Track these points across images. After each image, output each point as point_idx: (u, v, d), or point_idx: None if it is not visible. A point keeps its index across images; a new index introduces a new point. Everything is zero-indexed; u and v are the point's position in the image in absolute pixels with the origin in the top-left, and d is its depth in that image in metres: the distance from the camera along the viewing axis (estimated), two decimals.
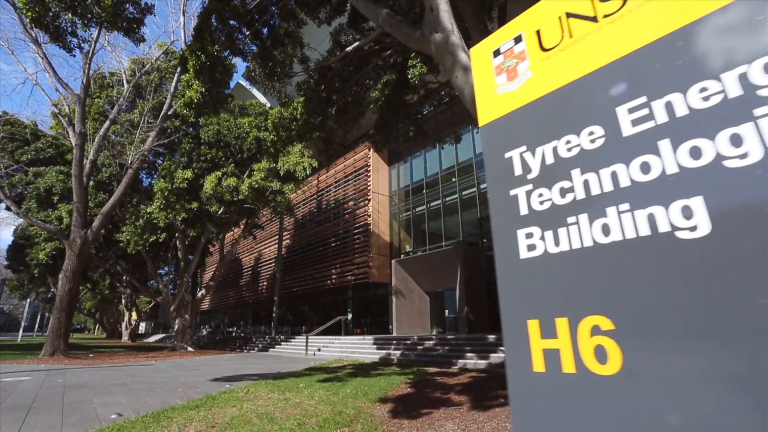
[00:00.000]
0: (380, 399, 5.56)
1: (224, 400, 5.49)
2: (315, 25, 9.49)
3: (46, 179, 18.53)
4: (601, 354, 0.69)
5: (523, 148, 0.92)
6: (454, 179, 17.69)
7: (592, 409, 0.69)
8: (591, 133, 0.81)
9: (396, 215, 19.98)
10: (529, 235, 0.86)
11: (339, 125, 10.49)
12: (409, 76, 8.09)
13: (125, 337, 33.61)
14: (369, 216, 18.88)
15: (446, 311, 17.50)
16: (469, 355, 10.06)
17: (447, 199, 17.74)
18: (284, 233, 25.14)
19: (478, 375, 8.10)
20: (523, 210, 0.88)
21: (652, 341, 0.64)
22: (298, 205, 23.94)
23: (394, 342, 13.31)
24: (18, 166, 18.51)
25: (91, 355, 14.95)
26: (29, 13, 8.00)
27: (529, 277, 0.84)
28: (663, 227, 0.67)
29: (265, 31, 8.81)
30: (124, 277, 24.69)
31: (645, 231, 0.69)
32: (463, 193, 17.06)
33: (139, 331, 43.68)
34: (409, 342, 12.94)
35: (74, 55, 9.79)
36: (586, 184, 0.79)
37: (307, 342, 15.49)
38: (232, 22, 8.08)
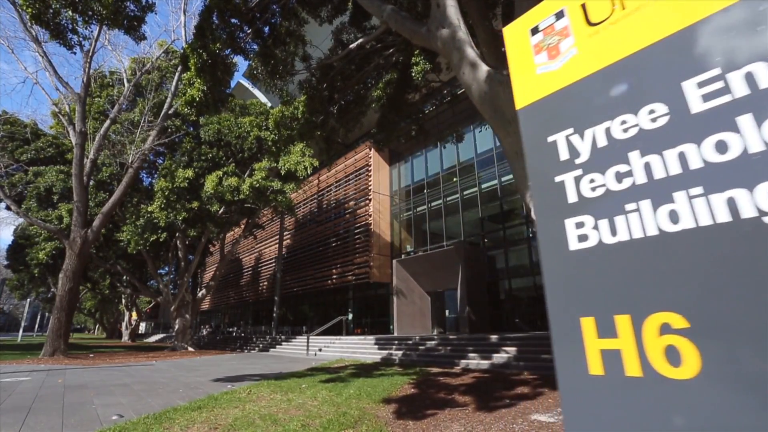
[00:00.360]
0: (384, 399, 5.49)
1: (226, 400, 5.42)
2: (317, 24, 9.43)
3: (46, 178, 18.45)
4: (673, 355, 0.62)
5: (570, 130, 0.84)
6: (455, 179, 17.62)
7: (665, 417, 0.61)
8: (651, 112, 0.73)
9: (397, 215, 19.90)
10: (579, 225, 0.78)
11: (340, 124, 10.43)
12: (413, 74, 8.04)
13: (125, 337, 33.53)
14: (370, 216, 18.80)
15: (447, 311, 17.43)
16: (471, 355, 9.99)
17: (448, 198, 17.67)
18: (285, 233, 25.06)
19: (481, 375, 8.03)
20: (572, 197, 0.81)
21: (739, 341, 0.57)
22: (298, 205, 23.86)
23: (396, 342, 13.23)
24: (18, 165, 18.42)
25: (91, 355, 14.87)
26: (29, 10, 7.94)
27: (581, 270, 0.76)
28: (747, 212, 0.59)
29: (266, 29, 8.75)
30: (125, 277, 24.61)
31: (724, 217, 0.61)
32: (465, 192, 16.99)
33: (140, 331, 43.58)
34: (410, 342, 12.86)
35: (75, 53, 9.73)
36: (647, 167, 0.71)
37: (308, 342, 15.41)
38: (233, 20, 8.03)
